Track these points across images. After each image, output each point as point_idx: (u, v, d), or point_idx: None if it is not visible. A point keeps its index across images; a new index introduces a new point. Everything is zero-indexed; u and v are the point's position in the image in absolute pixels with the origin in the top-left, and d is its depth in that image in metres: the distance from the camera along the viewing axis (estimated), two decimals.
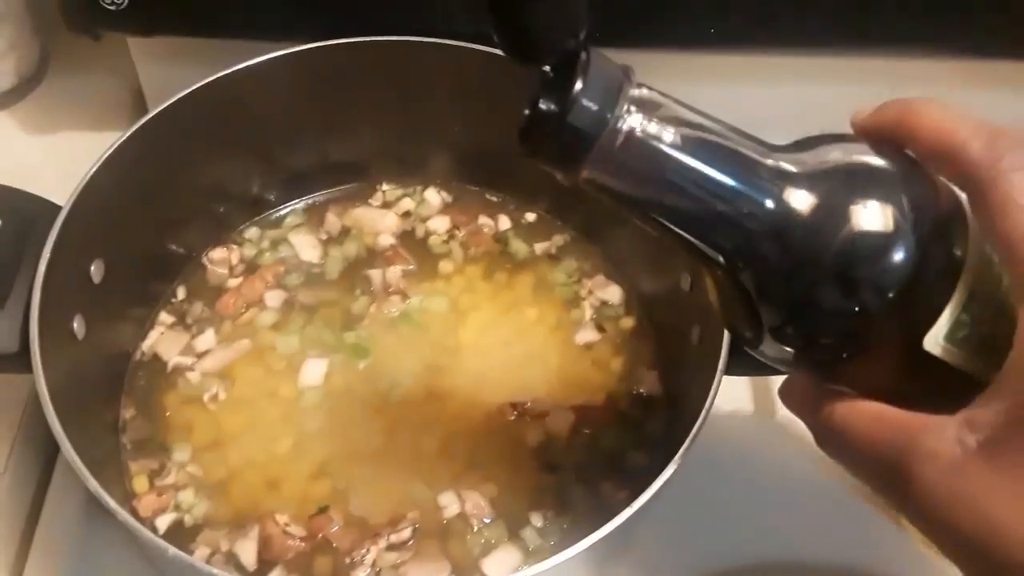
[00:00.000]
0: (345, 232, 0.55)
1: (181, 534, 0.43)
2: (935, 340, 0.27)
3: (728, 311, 0.32)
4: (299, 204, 0.56)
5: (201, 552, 0.42)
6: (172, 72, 0.56)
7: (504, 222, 0.56)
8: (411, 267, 0.53)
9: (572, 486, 0.45)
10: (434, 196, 0.57)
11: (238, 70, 0.46)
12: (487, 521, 0.43)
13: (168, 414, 0.47)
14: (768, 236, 0.28)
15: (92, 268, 0.44)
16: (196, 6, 0.49)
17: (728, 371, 0.40)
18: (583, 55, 0.27)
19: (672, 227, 0.29)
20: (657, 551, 0.45)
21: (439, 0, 0.49)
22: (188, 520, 0.44)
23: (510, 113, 0.51)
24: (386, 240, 0.55)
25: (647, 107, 0.27)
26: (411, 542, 0.42)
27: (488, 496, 0.44)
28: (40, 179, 0.58)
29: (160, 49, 0.53)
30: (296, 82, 0.49)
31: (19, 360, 0.39)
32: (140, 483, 0.45)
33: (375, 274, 0.53)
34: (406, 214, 0.56)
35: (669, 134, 0.27)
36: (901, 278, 0.27)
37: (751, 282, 0.30)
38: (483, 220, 0.56)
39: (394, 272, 0.53)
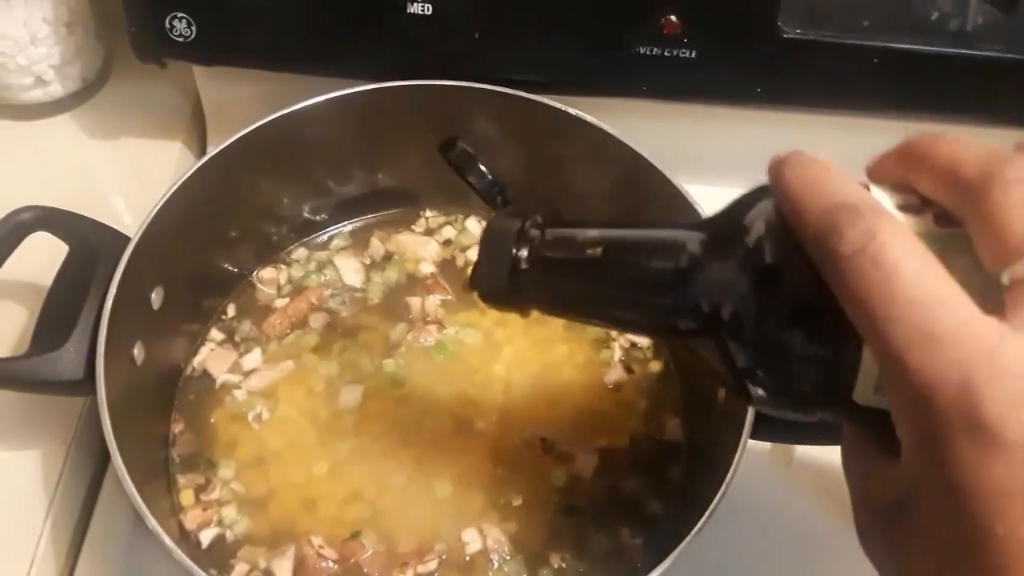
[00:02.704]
0: (388, 257, 0.57)
1: (223, 549, 0.46)
2: (863, 394, 0.26)
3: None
4: (346, 227, 0.58)
5: (240, 568, 0.45)
6: (233, 92, 0.58)
7: None
8: (449, 297, 0.55)
9: (591, 529, 0.47)
10: (475, 226, 0.59)
11: (296, 110, 0.48)
12: (507, 558, 0.46)
13: (215, 430, 0.50)
14: (687, 307, 0.29)
15: (152, 296, 0.47)
16: (261, 44, 0.51)
17: (753, 435, 0.41)
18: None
19: (616, 325, 0.35)
20: None
21: (486, 50, 0.51)
22: (229, 536, 0.47)
23: (549, 153, 0.53)
24: (427, 268, 0.57)
25: (546, 247, 0.33)
26: (436, 574, 0.45)
27: (509, 533, 0.46)
28: (97, 185, 0.61)
29: (223, 74, 0.55)
30: (350, 120, 0.50)
31: (83, 386, 0.42)
32: (187, 496, 0.48)
33: (414, 302, 0.55)
34: (447, 242, 0.58)
35: (571, 260, 0.33)
36: (809, 336, 0.26)
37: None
38: None
39: (432, 301, 0.55)
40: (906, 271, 0.22)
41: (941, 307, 0.22)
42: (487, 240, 0.35)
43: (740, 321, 0.27)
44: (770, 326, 0.26)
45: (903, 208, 0.26)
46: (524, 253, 0.33)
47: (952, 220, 0.25)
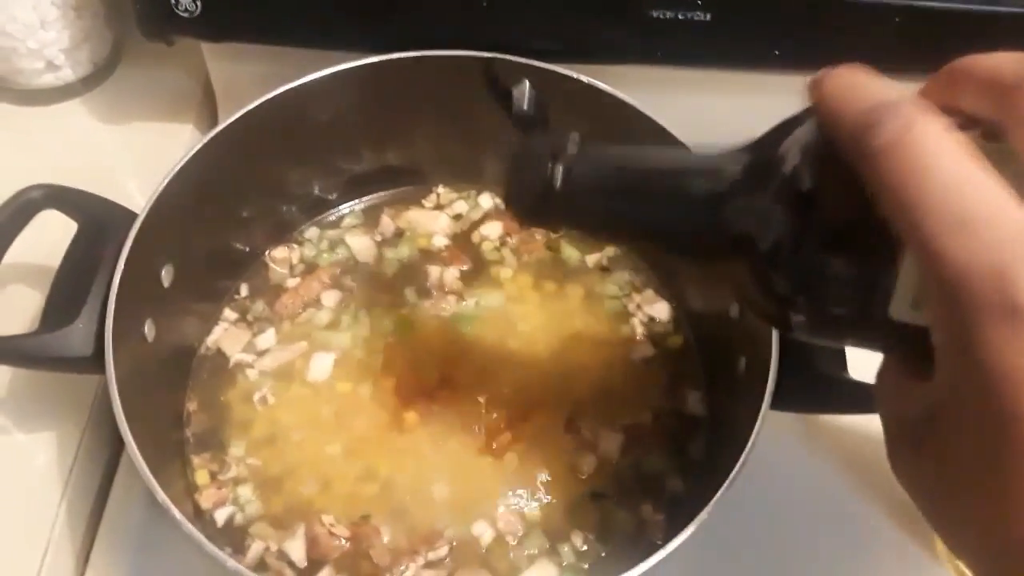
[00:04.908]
0: (399, 234, 0.56)
1: (238, 528, 0.46)
2: (900, 309, 0.26)
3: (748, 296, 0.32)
4: (358, 205, 0.57)
5: (256, 546, 0.45)
6: (242, 70, 0.57)
7: None
8: (467, 267, 0.54)
9: (615, 509, 0.46)
10: (487, 201, 0.58)
11: (304, 83, 0.47)
12: (521, 537, 0.45)
13: (230, 409, 0.49)
14: (722, 236, 0.29)
15: (163, 273, 0.46)
16: (266, 18, 0.50)
17: (773, 406, 0.40)
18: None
19: (649, 246, 0.35)
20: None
21: (497, 18, 0.50)
22: (245, 515, 0.46)
23: (563, 123, 0.52)
24: (440, 241, 0.56)
25: (583, 166, 0.33)
26: (447, 560, 0.44)
27: (532, 515, 0.46)
28: (109, 169, 0.61)
29: (231, 51, 0.54)
30: (358, 94, 0.50)
31: (93, 363, 0.41)
32: (202, 476, 0.47)
33: (433, 271, 0.54)
34: (458, 216, 0.57)
35: (607, 181, 0.33)
36: (846, 256, 0.26)
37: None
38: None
39: (451, 273, 0.54)
40: (940, 159, 0.22)
41: (975, 193, 0.22)
42: (521, 159, 0.34)
43: (777, 248, 0.27)
44: (807, 251, 0.26)
45: None
46: (560, 172, 0.33)
47: (997, 136, 0.25)
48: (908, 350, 0.26)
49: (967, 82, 0.25)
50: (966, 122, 0.26)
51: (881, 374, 0.28)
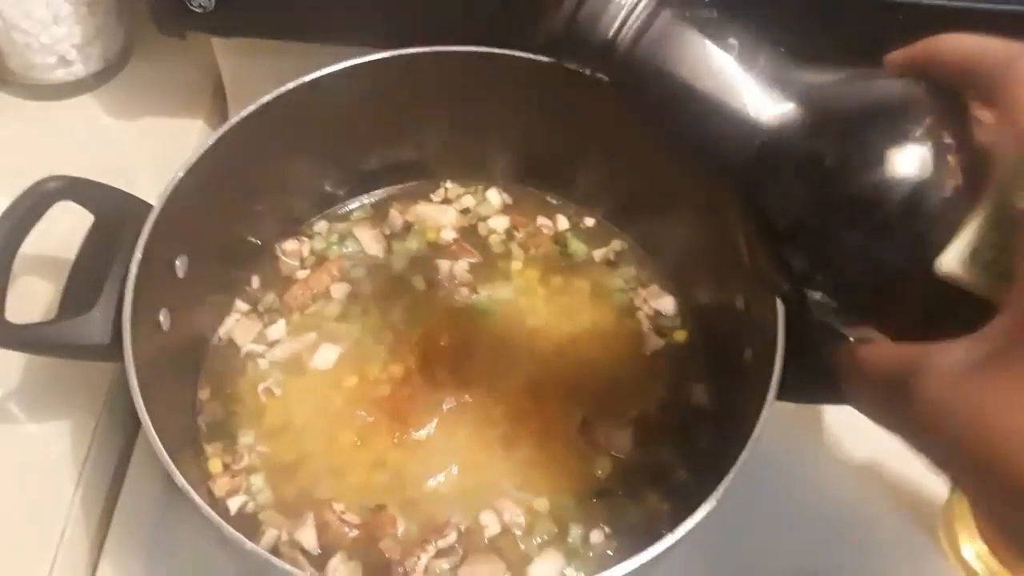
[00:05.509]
0: (407, 228, 0.57)
1: (249, 516, 0.46)
2: (954, 261, 0.26)
3: (760, 261, 0.32)
4: (367, 199, 0.58)
5: (270, 534, 0.45)
6: (252, 65, 0.58)
7: (563, 223, 0.57)
8: (476, 260, 0.55)
9: (621, 496, 0.47)
10: (495, 196, 0.58)
11: (315, 78, 0.48)
12: (528, 526, 0.46)
13: (242, 399, 0.50)
14: (777, 150, 0.29)
15: (177, 263, 0.47)
16: (278, 13, 0.51)
17: (779, 397, 0.41)
18: None
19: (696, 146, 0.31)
20: (694, 566, 0.46)
21: (507, 15, 0.50)
22: (256, 504, 0.47)
23: (571, 123, 0.52)
24: (448, 235, 0.57)
25: (644, 40, 0.30)
26: (457, 547, 0.45)
27: (540, 508, 0.46)
28: (121, 162, 0.62)
29: (242, 46, 0.55)
30: (368, 89, 0.50)
31: (110, 350, 0.42)
32: (215, 464, 0.48)
33: (443, 264, 0.55)
34: (465, 211, 0.58)
35: (672, 53, 0.30)
36: (913, 190, 0.27)
37: (763, 209, 0.30)
38: (542, 221, 0.57)
39: (461, 265, 0.55)
40: None
41: None
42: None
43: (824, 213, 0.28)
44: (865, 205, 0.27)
45: None
46: (629, 32, 0.30)
47: None
48: (947, 310, 0.27)
49: (952, 55, 0.29)
50: None
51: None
